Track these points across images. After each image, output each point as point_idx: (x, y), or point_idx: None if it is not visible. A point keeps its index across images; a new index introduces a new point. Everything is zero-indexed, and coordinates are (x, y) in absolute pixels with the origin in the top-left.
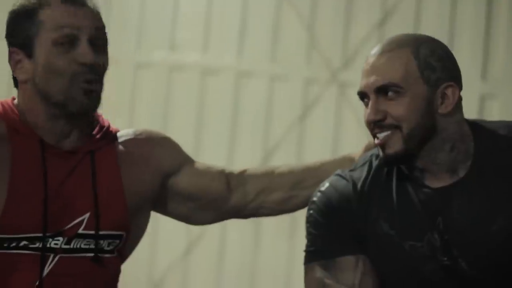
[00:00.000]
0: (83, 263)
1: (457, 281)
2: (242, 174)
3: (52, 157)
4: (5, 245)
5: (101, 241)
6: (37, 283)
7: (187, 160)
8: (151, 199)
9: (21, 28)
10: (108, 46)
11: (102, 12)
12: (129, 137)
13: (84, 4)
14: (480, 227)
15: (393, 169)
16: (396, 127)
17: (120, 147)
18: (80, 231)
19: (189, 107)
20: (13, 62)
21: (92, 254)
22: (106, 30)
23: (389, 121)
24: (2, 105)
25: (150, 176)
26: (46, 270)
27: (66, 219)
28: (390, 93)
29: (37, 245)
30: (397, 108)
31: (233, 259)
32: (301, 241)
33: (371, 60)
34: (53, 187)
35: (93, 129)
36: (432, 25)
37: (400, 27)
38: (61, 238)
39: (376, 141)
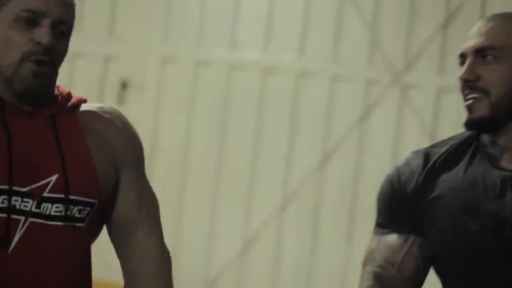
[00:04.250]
0: (53, 230)
1: (508, 263)
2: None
3: (12, 117)
4: None
5: (71, 207)
6: (11, 248)
7: (135, 165)
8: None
9: None
10: (70, 35)
11: (163, 10)
12: (92, 109)
13: None
14: None
15: (471, 147)
16: (485, 92)
17: (81, 117)
18: (47, 193)
19: (249, 106)
20: None
21: (62, 223)
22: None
23: (480, 84)
24: None
25: (109, 157)
26: (16, 237)
27: (33, 178)
28: (488, 57)
29: (6, 204)
30: (491, 73)
31: (289, 260)
32: (358, 244)
33: (479, 24)
34: (17, 146)
35: (51, 98)
36: None
37: (465, 28)
38: (30, 201)
39: (465, 102)
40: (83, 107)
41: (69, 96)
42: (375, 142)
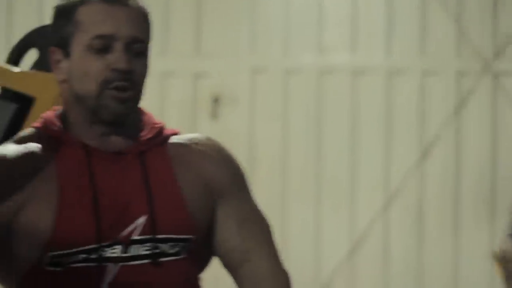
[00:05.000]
0: (145, 269)
1: None
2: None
3: (98, 161)
4: (64, 261)
5: (161, 245)
6: None
7: (233, 193)
8: (209, 215)
9: (59, 26)
10: (148, 52)
11: (248, 21)
12: (182, 141)
13: (125, 3)
14: None
15: None
16: None
17: (172, 149)
18: (136, 236)
19: (342, 109)
20: (53, 62)
21: (148, 261)
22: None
23: None
24: (44, 119)
25: (203, 189)
26: (107, 281)
27: (120, 225)
28: None
29: (95, 256)
30: None
31: (398, 258)
32: (466, 237)
33: None
34: (104, 192)
35: (140, 129)
36: None
37: None
38: (119, 247)
39: None
40: (173, 139)
41: (160, 128)
42: (472, 132)
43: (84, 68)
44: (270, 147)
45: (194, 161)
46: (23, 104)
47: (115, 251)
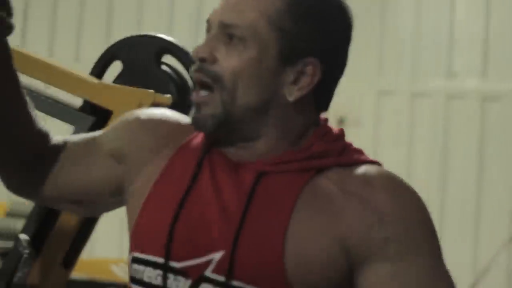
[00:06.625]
0: None
1: None
2: None
3: (214, 165)
4: (138, 269)
5: None
6: None
7: (390, 256)
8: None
9: None
10: (249, 42)
11: (377, 44)
12: (341, 173)
13: None
14: None
15: None
16: None
17: (316, 180)
18: (207, 273)
19: (469, 135)
20: None
21: None
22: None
23: None
24: None
25: (333, 243)
26: None
27: (192, 251)
28: None
29: (160, 283)
30: None
31: None
32: None
33: None
34: (196, 201)
35: (291, 142)
36: None
37: None
38: (183, 279)
39: None
40: (334, 168)
41: (340, 149)
42: None
43: None
44: (393, 171)
45: (334, 204)
46: (100, 117)
47: (178, 284)
